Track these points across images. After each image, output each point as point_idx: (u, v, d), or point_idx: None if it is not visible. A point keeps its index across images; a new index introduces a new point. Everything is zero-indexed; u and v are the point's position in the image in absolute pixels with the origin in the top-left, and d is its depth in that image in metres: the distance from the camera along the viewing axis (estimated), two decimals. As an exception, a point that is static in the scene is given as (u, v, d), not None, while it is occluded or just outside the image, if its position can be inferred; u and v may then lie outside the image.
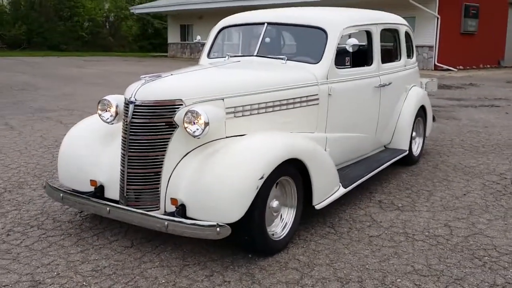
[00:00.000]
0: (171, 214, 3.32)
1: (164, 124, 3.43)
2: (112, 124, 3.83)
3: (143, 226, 3.38)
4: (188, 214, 3.32)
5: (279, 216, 3.69)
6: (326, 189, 3.95)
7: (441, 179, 5.38)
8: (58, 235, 3.90)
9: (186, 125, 3.38)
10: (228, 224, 3.15)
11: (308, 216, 4.12)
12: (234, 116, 3.69)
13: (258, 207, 3.32)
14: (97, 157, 3.82)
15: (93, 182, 3.73)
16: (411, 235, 3.92)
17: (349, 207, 4.52)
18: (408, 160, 5.78)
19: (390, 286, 3.15)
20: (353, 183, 4.37)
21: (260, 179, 3.24)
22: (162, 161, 3.43)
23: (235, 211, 3.20)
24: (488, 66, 26.50)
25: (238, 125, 3.71)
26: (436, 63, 23.10)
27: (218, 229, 3.10)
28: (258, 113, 3.85)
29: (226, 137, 3.63)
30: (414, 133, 5.85)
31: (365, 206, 4.56)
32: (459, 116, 9.64)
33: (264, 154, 3.36)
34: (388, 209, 4.47)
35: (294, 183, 3.67)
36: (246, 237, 3.41)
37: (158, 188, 3.45)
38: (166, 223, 3.20)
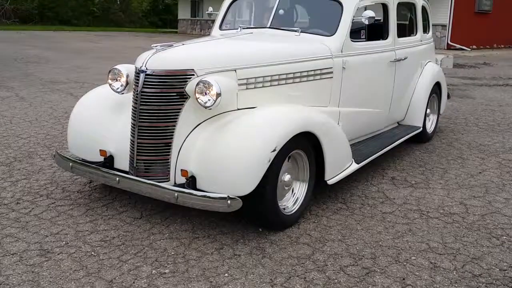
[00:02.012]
0: (181, 185, 3.27)
1: (175, 94, 3.35)
2: (123, 94, 3.77)
3: (153, 197, 3.33)
4: (199, 186, 3.26)
5: (291, 190, 3.63)
6: (339, 164, 3.87)
7: (455, 157, 5.28)
8: (67, 204, 3.86)
9: (197, 95, 3.30)
10: (239, 197, 3.10)
11: (320, 192, 4.06)
12: (246, 88, 3.61)
13: (270, 180, 3.25)
14: (107, 127, 3.76)
15: (102, 152, 3.68)
16: (425, 212, 3.84)
17: (362, 183, 4.45)
18: (422, 137, 5.68)
19: (405, 263, 3.09)
20: (365, 159, 4.28)
21: (273, 151, 3.17)
22: (173, 132, 3.36)
23: (247, 183, 3.13)
24: (502, 46, 26.10)
25: (250, 97, 3.63)
26: (449, 42, 22.78)
27: (229, 201, 3.05)
28: (270, 85, 3.76)
29: (238, 109, 3.55)
30: (428, 110, 5.74)
31: (378, 182, 4.48)
32: (473, 95, 9.48)
33: (277, 127, 3.28)
34: (402, 186, 4.39)
35: (307, 157, 3.60)
36: (257, 211, 3.35)
37: (168, 159, 3.39)
38: (176, 194, 3.14)
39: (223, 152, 3.20)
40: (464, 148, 5.63)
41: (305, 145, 3.54)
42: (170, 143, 3.37)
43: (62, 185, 4.25)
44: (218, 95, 3.26)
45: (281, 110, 3.54)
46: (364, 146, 4.61)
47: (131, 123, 3.46)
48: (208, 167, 3.23)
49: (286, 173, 3.50)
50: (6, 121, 6.42)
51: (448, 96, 6.55)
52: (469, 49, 22.91)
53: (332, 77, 4.18)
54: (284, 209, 3.52)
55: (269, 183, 3.26)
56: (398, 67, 5.01)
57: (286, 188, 3.55)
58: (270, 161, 3.17)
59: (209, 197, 3.10)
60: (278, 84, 3.81)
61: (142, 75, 3.37)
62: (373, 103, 4.79)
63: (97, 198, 3.99)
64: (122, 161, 3.60)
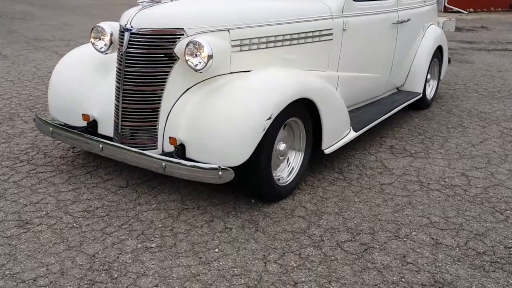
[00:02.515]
0: (169, 154, 3.05)
1: (163, 55, 3.10)
2: (106, 54, 3.51)
3: (139, 166, 3.12)
4: (188, 155, 3.06)
5: (286, 160, 3.43)
6: (337, 132, 3.67)
7: (455, 125, 5.09)
8: (48, 171, 3.65)
9: (187, 57, 3.06)
10: (231, 167, 2.89)
11: (316, 161, 3.86)
12: (240, 50, 3.35)
13: (264, 149, 3.04)
14: (90, 90, 3.51)
15: (85, 116, 3.44)
16: (425, 184, 3.67)
17: (359, 152, 4.25)
18: (421, 104, 5.46)
19: (405, 239, 2.92)
20: (364, 127, 4.08)
21: (268, 119, 2.95)
22: (161, 96, 3.13)
23: (240, 153, 2.92)
24: (499, 9, 25.65)
25: (244, 59, 3.38)
26: (446, 4, 22.23)
27: (220, 172, 2.84)
28: (266, 47, 3.50)
29: (231, 73, 3.31)
30: (428, 75, 5.50)
31: (376, 151, 4.29)
32: (472, 60, 9.23)
33: (273, 93, 3.05)
34: (400, 156, 4.21)
35: (303, 125, 3.39)
36: (250, 182, 3.15)
37: (155, 125, 3.16)
38: (163, 164, 2.93)
39: (214, 119, 2.98)
40: (464, 116, 5.43)
41: (302, 112, 3.32)
42: (158, 108, 3.14)
43: (44, 150, 4.03)
44: (210, 57, 3.01)
45: (277, 74, 3.30)
46: (362, 113, 4.40)
47: (116, 86, 3.22)
48: (198, 135, 3.02)
49: (282, 142, 3.29)
50: (-13, 80, 6.13)
51: (449, 61, 6.32)
52: (467, 12, 22.45)
53: (331, 39, 3.93)
54: (278, 179, 3.33)
55: (264, 152, 3.05)
56: (400, 29, 4.75)
57: (281, 157, 3.35)
58: (265, 130, 2.95)
59: (199, 167, 2.89)
60: (274, 46, 3.56)
61: (126, 34, 3.10)
62: (373, 68, 4.56)
63: (80, 165, 3.78)
64: (107, 127, 3.38)
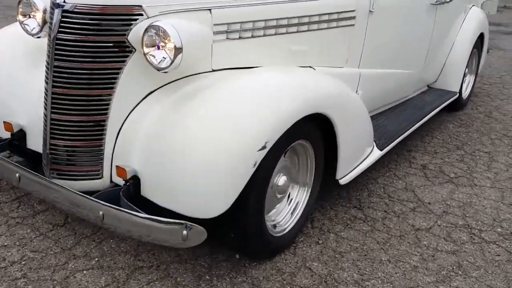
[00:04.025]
0: (115, 192, 2.07)
1: (111, 45, 2.08)
2: (39, 37, 2.48)
3: (69, 212, 2.13)
4: (143, 192, 2.07)
5: (286, 198, 2.45)
6: (356, 155, 2.69)
7: (500, 135, 4.08)
8: (-38, 196, 2.68)
9: (146, 49, 2.05)
10: (205, 220, 1.92)
11: (325, 188, 2.88)
12: (227, 38, 2.34)
13: (255, 189, 2.07)
14: (16, 88, 2.51)
15: (7, 125, 2.45)
16: (476, 231, 2.68)
17: (382, 173, 3.26)
18: (455, 105, 4.43)
19: (459, 338, 1.96)
20: (391, 142, 3.08)
21: (261, 150, 1.95)
22: (108, 104, 2.13)
23: (218, 200, 1.93)
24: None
25: (232, 52, 2.37)
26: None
27: (185, 232, 1.86)
28: (264, 35, 2.48)
29: (213, 71, 2.31)
30: (466, 69, 4.47)
31: (404, 173, 3.30)
32: (503, 45, 8.16)
33: (270, 108, 2.04)
34: (437, 181, 3.21)
35: (312, 148, 2.40)
36: (233, 232, 2.18)
37: (101, 145, 2.17)
38: (100, 213, 1.95)
39: (183, 144, 1.98)
40: (508, 121, 4.41)
41: (311, 132, 2.34)
42: (104, 121, 2.15)
43: (-33, 161, 3.04)
44: (178, 50, 2.00)
45: (278, 77, 2.29)
46: (387, 121, 3.39)
47: (44, 87, 2.22)
48: (158, 166, 2.02)
49: (281, 174, 2.31)
50: None
51: (488, 50, 5.28)
52: (484, -10, 21.18)
53: (353, 25, 2.91)
54: (274, 226, 2.36)
55: (254, 194, 2.08)
56: (439, 12, 3.71)
57: (279, 196, 2.38)
58: (256, 165, 1.96)
59: (154, 220, 1.90)
60: (276, 34, 2.53)
61: (57, 12, 2.09)
62: (404, 61, 3.53)
63: (8, 186, 2.80)
64: (38, 140, 2.38)
